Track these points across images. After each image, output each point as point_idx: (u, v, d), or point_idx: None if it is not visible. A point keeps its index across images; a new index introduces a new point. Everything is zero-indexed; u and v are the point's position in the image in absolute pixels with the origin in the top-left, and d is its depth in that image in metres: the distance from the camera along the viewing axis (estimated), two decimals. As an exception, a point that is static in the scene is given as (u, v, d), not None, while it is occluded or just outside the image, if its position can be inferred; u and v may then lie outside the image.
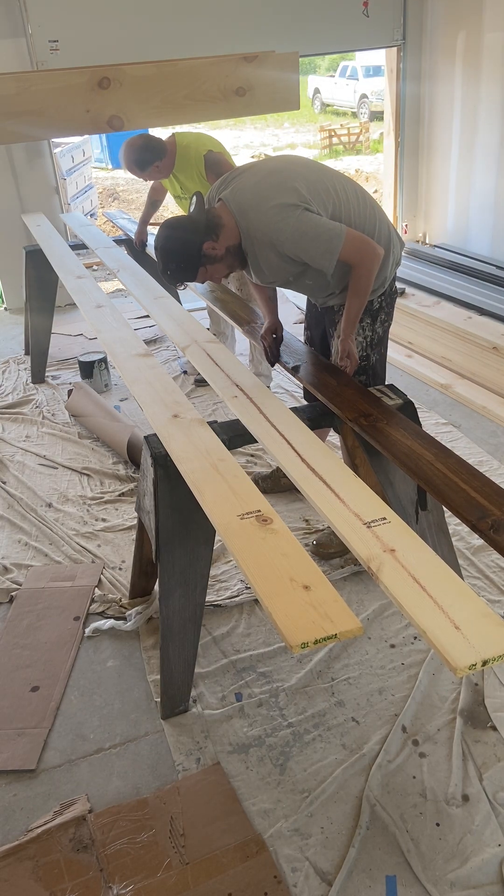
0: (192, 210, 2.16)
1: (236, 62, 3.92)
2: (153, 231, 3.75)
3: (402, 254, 2.43)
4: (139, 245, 4.07)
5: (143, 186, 11.11)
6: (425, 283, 5.24)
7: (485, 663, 1.19)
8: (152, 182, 3.76)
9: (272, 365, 2.57)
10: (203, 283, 2.52)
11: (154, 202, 4.00)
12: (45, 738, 2.07)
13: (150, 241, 3.79)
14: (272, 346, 2.50)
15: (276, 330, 2.52)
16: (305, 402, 2.75)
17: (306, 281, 2.28)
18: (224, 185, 2.23)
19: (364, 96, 15.32)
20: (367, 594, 2.52)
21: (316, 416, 2.11)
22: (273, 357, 2.50)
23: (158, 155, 3.36)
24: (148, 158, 3.35)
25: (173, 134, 3.48)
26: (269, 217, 2.10)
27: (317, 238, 2.09)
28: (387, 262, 2.31)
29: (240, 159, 4.22)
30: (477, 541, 2.70)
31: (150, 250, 3.95)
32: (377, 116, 13.79)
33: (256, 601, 2.52)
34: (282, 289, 2.47)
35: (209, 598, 2.51)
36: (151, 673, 2.26)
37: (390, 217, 6.25)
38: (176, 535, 1.92)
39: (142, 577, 2.46)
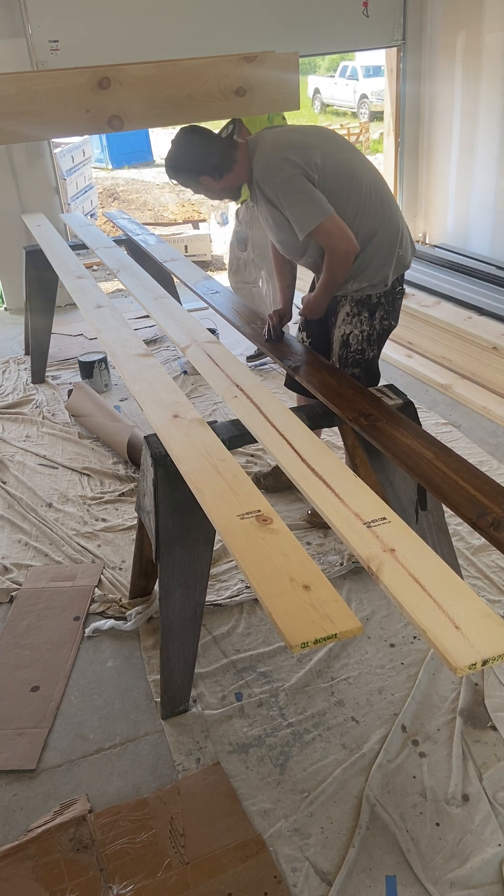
0: (223, 133, 2.31)
1: (236, 62, 3.91)
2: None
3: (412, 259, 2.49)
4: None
5: (143, 187, 11.12)
6: (425, 283, 5.23)
7: (485, 663, 1.19)
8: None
9: (276, 340, 2.63)
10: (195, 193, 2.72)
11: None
12: (45, 738, 2.07)
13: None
14: (276, 325, 2.61)
15: (283, 314, 2.64)
16: (294, 395, 2.86)
17: (308, 258, 2.40)
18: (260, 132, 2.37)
19: (364, 96, 15.31)
20: (367, 593, 2.52)
21: (316, 416, 2.11)
22: (275, 334, 2.60)
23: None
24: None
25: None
26: (269, 160, 2.23)
27: (299, 200, 2.19)
28: (389, 261, 2.36)
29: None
30: (477, 541, 2.70)
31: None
32: (377, 116, 13.77)
33: (256, 601, 2.52)
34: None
35: (209, 597, 2.51)
36: (151, 673, 2.26)
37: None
38: (176, 535, 1.92)
39: (142, 577, 2.47)
